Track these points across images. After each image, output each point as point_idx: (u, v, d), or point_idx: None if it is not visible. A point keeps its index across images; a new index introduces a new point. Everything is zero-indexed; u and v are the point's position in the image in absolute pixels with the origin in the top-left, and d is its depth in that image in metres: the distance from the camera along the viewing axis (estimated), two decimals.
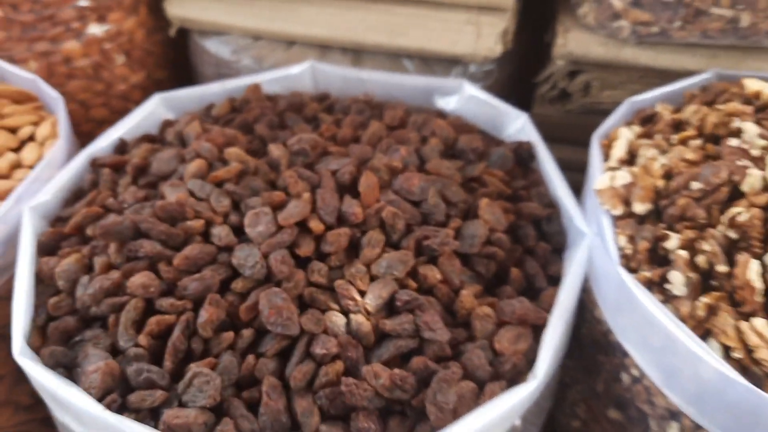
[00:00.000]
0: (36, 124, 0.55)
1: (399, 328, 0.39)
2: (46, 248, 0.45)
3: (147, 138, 0.54)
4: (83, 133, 0.66)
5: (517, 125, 0.54)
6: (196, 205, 0.44)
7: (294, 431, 0.37)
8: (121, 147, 0.52)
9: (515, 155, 0.51)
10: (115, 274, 0.41)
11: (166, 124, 0.55)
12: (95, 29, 0.64)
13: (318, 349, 0.38)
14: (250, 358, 0.38)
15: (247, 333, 0.39)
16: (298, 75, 0.59)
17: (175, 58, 0.73)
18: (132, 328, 0.40)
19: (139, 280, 0.40)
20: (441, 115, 0.57)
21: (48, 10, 0.61)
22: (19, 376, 0.50)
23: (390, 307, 0.41)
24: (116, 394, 0.37)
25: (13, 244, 0.46)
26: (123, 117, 0.56)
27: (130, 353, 0.39)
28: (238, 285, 0.41)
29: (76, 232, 0.46)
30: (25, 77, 0.58)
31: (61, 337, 0.41)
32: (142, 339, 0.39)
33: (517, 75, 0.66)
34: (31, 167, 0.51)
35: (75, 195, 0.50)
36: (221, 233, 0.43)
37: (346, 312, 0.40)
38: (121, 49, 0.66)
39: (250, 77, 0.58)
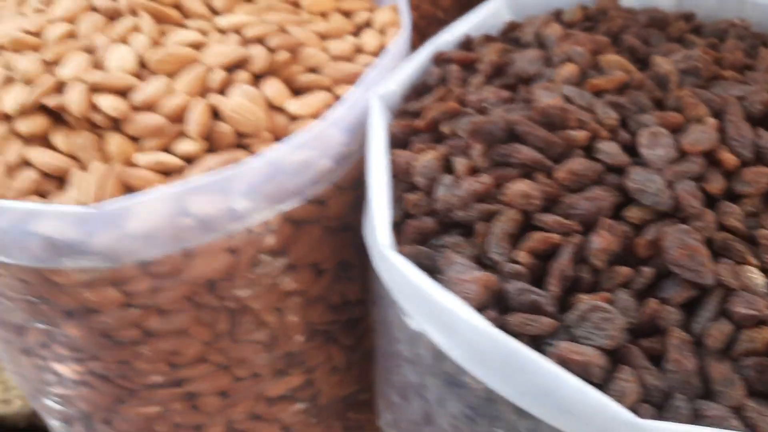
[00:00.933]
0: (370, 10, 0.51)
1: None
2: (398, 141, 0.41)
3: (489, 38, 0.48)
4: None
5: None
6: (580, 114, 0.37)
7: (705, 398, 0.30)
8: (467, 44, 0.47)
9: None
10: (486, 179, 0.36)
11: (512, 26, 0.49)
12: None
13: (740, 308, 0.31)
14: (652, 302, 0.32)
15: (647, 272, 0.33)
16: None
17: None
18: (506, 241, 0.34)
19: (520, 188, 0.35)
20: None
21: None
22: (339, 273, 0.47)
23: None
24: (494, 311, 0.32)
25: (358, 132, 0.42)
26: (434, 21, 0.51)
27: (505, 269, 0.33)
28: (633, 213, 0.34)
29: (430, 128, 0.41)
30: None
31: (418, 238, 0.37)
32: (523, 256, 0.33)
33: None
34: (372, 54, 0.47)
35: (418, 89, 0.45)
36: (611, 150, 0.36)
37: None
38: None
39: None
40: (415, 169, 0.38)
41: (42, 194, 0.39)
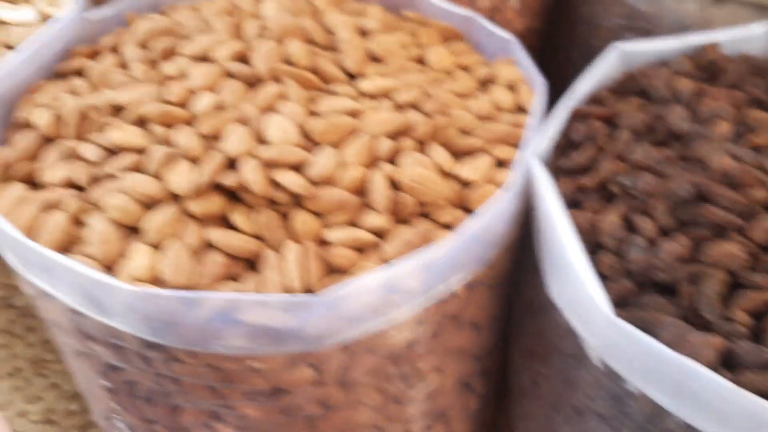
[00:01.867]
0: (484, 64, 0.52)
1: None
2: (566, 201, 0.43)
3: (615, 91, 0.50)
4: None
5: None
6: (756, 173, 0.40)
7: None
8: (599, 99, 0.49)
9: None
10: (685, 241, 0.38)
11: (629, 78, 0.51)
12: None
13: None
14: None
15: None
16: (755, 37, 0.54)
17: (550, 6, 0.69)
18: (719, 301, 0.36)
19: (726, 249, 0.37)
20: None
21: None
22: (491, 326, 0.48)
23: None
24: (727, 371, 0.34)
25: (521, 193, 0.43)
26: None
27: (726, 328, 0.35)
28: None
29: (599, 186, 0.43)
30: (460, 14, 0.55)
31: (618, 300, 0.38)
32: (743, 316, 0.35)
33: None
34: (510, 111, 0.48)
35: (561, 145, 0.47)
36: None
37: None
38: None
39: (705, 35, 0.53)
40: (601, 230, 0.40)
41: (233, 278, 0.38)
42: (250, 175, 0.39)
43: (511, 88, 0.50)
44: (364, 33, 0.51)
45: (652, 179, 0.41)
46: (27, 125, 0.47)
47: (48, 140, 0.46)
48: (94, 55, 0.53)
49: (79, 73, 0.51)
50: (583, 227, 0.40)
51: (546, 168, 0.45)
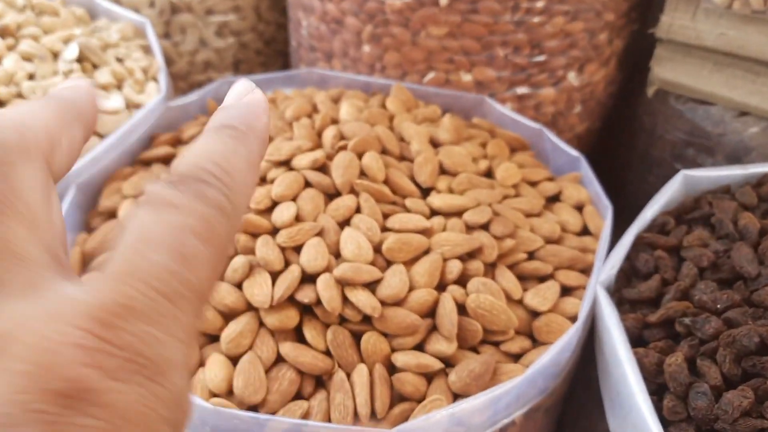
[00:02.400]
0: (549, 179, 0.54)
1: None
2: (633, 337, 0.43)
3: (679, 219, 0.51)
4: None
5: None
6: None
7: None
8: (663, 226, 0.50)
9: None
10: (749, 394, 0.38)
11: (693, 205, 0.52)
12: (573, 79, 0.62)
13: None
14: None
15: None
16: None
17: (610, 110, 0.70)
18: None
19: None
20: None
21: (542, 57, 0.59)
22: None
23: None
24: None
25: (586, 322, 0.44)
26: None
27: None
28: None
29: (664, 322, 0.43)
30: (528, 126, 0.57)
31: None
32: None
33: None
34: (575, 234, 0.49)
35: (626, 273, 0.47)
36: None
37: None
38: (581, 99, 0.64)
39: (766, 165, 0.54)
40: (666, 373, 0.40)
41: (302, 395, 0.39)
42: (325, 293, 0.40)
43: (578, 208, 0.51)
44: (435, 143, 0.53)
45: (719, 324, 0.41)
46: (111, 214, 0.49)
47: None
48: (176, 143, 0.56)
49: (162, 160, 0.54)
50: (648, 369, 0.41)
51: (610, 296, 0.46)
